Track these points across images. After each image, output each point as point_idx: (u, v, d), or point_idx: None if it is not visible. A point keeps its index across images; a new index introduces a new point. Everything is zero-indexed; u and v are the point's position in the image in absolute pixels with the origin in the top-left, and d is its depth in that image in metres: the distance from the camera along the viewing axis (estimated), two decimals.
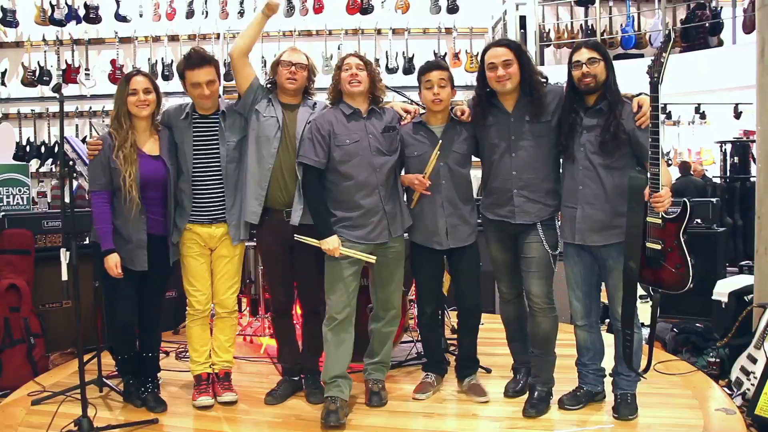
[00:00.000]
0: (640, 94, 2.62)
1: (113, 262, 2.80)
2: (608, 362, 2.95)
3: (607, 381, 2.95)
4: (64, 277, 2.45)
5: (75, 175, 3.02)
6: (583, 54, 2.66)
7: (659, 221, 2.46)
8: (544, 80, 2.86)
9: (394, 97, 3.67)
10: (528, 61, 2.82)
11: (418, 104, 3.26)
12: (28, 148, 7.77)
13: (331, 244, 2.81)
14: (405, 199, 3.07)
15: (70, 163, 2.77)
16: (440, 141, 2.94)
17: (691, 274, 2.43)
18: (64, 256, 2.42)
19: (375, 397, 3.03)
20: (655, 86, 2.38)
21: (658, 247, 2.48)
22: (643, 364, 2.75)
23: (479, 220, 3.08)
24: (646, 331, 2.84)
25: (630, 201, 2.51)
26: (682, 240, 2.44)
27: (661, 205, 2.43)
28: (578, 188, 2.72)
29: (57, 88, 2.33)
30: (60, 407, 2.77)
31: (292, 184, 2.95)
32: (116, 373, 3.25)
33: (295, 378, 3.20)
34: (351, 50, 3.55)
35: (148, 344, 3.13)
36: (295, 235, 2.92)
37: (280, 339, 3.25)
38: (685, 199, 2.46)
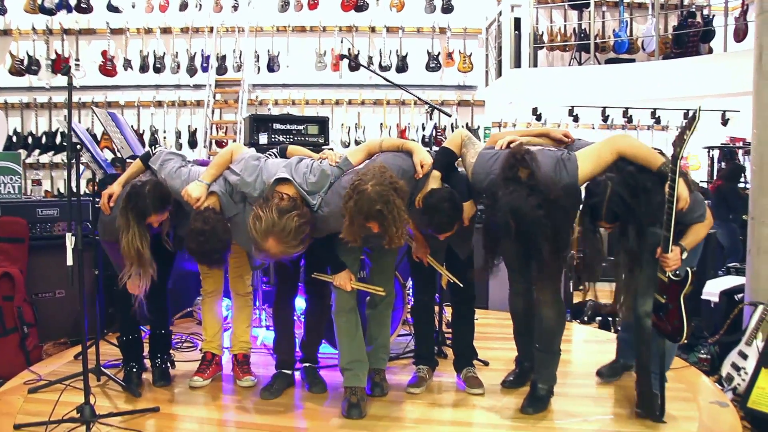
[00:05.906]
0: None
1: None
2: None
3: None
4: (69, 262, 2.42)
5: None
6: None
7: (665, 279, 2.58)
8: None
9: (402, 94, 3.67)
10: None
11: (427, 102, 3.23)
12: (15, 138, 7.67)
13: (343, 278, 2.87)
14: None
15: (78, 147, 2.76)
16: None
17: (685, 333, 2.56)
18: (70, 241, 2.40)
19: (377, 388, 3.06)
20: (675, 159, 2.42)
21: (663, 300, 2.62)
22: None
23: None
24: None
25: (648, 254, 2.60)
26: (681, 303, 2.56)
27: (666, 266, 2.55)
28: None
29: (66, 71, 2.28)
30: (59, 396, 2.75)
31: None
32: (113, 363, 3.24)
33: (289, 372, 3.18)
34: (346, 49, 3.39)
35: (159, 322, 3.21)
36: (313, 274, 2.98)
37: (279, 329, 3.21)
38: (687, 268, 2.56)
